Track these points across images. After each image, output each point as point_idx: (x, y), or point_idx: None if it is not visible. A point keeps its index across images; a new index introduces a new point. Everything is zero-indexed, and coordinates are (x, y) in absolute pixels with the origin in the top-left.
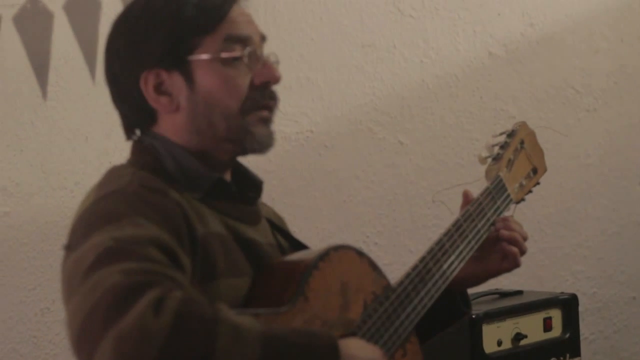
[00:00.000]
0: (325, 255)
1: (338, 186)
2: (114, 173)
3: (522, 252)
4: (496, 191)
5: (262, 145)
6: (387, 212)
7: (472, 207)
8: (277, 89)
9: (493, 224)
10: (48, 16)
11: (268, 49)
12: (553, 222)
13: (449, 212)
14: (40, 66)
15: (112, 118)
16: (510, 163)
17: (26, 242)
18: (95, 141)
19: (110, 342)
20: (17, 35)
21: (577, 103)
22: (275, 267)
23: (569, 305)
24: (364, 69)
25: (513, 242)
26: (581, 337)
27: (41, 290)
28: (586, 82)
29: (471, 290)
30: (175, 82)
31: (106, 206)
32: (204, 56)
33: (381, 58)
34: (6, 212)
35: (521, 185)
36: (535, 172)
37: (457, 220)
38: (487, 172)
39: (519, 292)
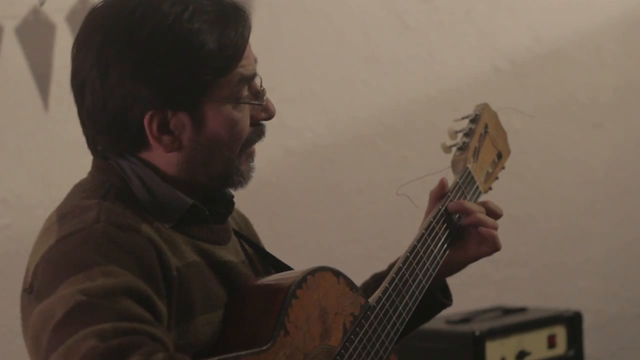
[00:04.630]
0: (303, 281)
1: (341, 200)
2: (77, 202)
3: (495, 228)
4: (465, 185)
5: (245, 181)
6: (390, 227)
7: (443, 207)
8: (281, 102)
9: (459, 216)
10: (50, 27)
11: (269, 61)
12: (558, 238)
13: (414, 206)
14: (42, 77)
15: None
16: (476, 151)
17: (27, 255)
18: None
19: None
20: (19, 47)
21: (583, 118)
22: (252, 295)
23: (573, 322)
24: (368, 82)
25: (477, 222)
26: (585, 355)
27: None
28: (592, 97)
29: (474, 307)
30: (180, 121)
31: (73, 250)
32: (218, 100)
33: (386, 72)
34: (7, 224)
35: (488, 174)
36: (500, 156)
37: (430, 224)
38: (454, 163)
39: (522, 309)
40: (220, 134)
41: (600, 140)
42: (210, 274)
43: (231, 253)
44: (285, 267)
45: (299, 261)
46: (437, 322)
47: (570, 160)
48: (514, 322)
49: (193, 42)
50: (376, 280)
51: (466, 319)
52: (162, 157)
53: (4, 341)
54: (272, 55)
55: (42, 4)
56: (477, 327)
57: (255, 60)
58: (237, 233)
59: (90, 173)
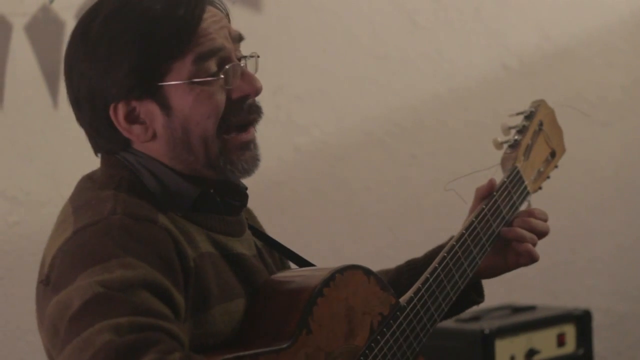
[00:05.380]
0: (331, 279)
1: (350, 198)
2: (92, 193)
3: (534, 243)
4: (512, 185)
5: (245, 171)
6: (399, 225)
7: (487, 207)
8: (290, 100)
9: (509, 223)
10: (59, 25)
11: (278, 59)
12: (567, 236)
13: (462, 202)
14: (52, 75)
15: None
16: (528, 149)
17: (36, 252)
18: None
19: None
20: (29, 44)
21: (592, 117)
22: (276, 292)
23: (582, 320)
24: (377, 80)
25: (518, 238)
26: (595, 353)
27: None
28: (601, 96)
29: (484, 305)
30: (148, 109)
31: (90, 242)
32: (177, 81)
33: (394, 70)
34: (16, 222)
35: (539, 173)
36: (554, 155)
37: (472, 223)
38: (503, 161)
39: (532, 307)
40: (189, 114)
41: (609, 139)
42: (224, 266)
43: (245, 246)
44: (299, 258)
45: (308, 259)
46: (446, 320)
47: (579, 159)
48: (523, 320)
49: (140, 28)
50: (411, 268)
51: (475, 317)
52: (146, 149)
53: (13, 337)
54: (281, 54)
55: (51, 1)
56: (486, 325)
57: (239, 37)
58: (250, 226)
59: (100, 168)
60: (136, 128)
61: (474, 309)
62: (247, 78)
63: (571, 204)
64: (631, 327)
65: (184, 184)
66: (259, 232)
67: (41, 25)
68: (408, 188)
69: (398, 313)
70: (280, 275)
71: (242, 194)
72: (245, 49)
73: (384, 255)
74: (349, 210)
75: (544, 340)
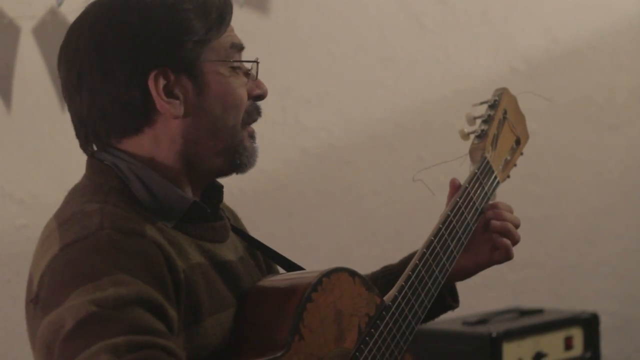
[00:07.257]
0: (319, 284)
1: (357, 201)
2: (78, 207)
3: (515, 242)
4: (483, 175)
5: (251, 162)
6: (407, 228)
7: (461, 199)
8: (298, 103)
9: (482, 212)
10: (67, 28)
11: (286, 62)
12: (574, 240)
13: (430, 193)
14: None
15: None
16: (495, 139)
17: None
18: None
19: None
20: (37, 47)
21: (599, 119)
22: (265, 299)
23: (590, 323)
24: (384, 83)
25: (505, 233)
26: (602, 356)
27: None
28: (609, 98)
29: (491, 308)
30: (183, 85)
31: (80, 259)
32: (215, 59)
33: (402, 73)
34: (24, 225)
35: (506, 161)
36: (518, 142)
37: (447, 217)
38: (472, 152)
39: (539, 311)
40: (222, 97)
41: (616, 142)
42: (214, 275)
43: (231, 251)
44: (283, 260)
45: (315, 262)
46: (454, 323)
47: (586, 161)
48: (531, 323)
49: (182, 5)
50: (386, 274)
51: (483, 320)
52: (164, 129)
53: (21, 341)
54: (288, 57)
55: (59, 4)
56: (493, 328)
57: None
58: (234, 228)
59: (86, 176)
60: (172, 102)
61: (482, 311)
62: (258, 80)
63: (578, 207)
64: (639, 330)
65: (175, 193)
66: (244, 234)
67: (49, 28)
68: (415, 190)
69: (384, 313)
70: (267, 281)
71: (216, 191)
72: (252, 51)
73: (392, 257)
74: (357, 213)
75: (552, 343)
